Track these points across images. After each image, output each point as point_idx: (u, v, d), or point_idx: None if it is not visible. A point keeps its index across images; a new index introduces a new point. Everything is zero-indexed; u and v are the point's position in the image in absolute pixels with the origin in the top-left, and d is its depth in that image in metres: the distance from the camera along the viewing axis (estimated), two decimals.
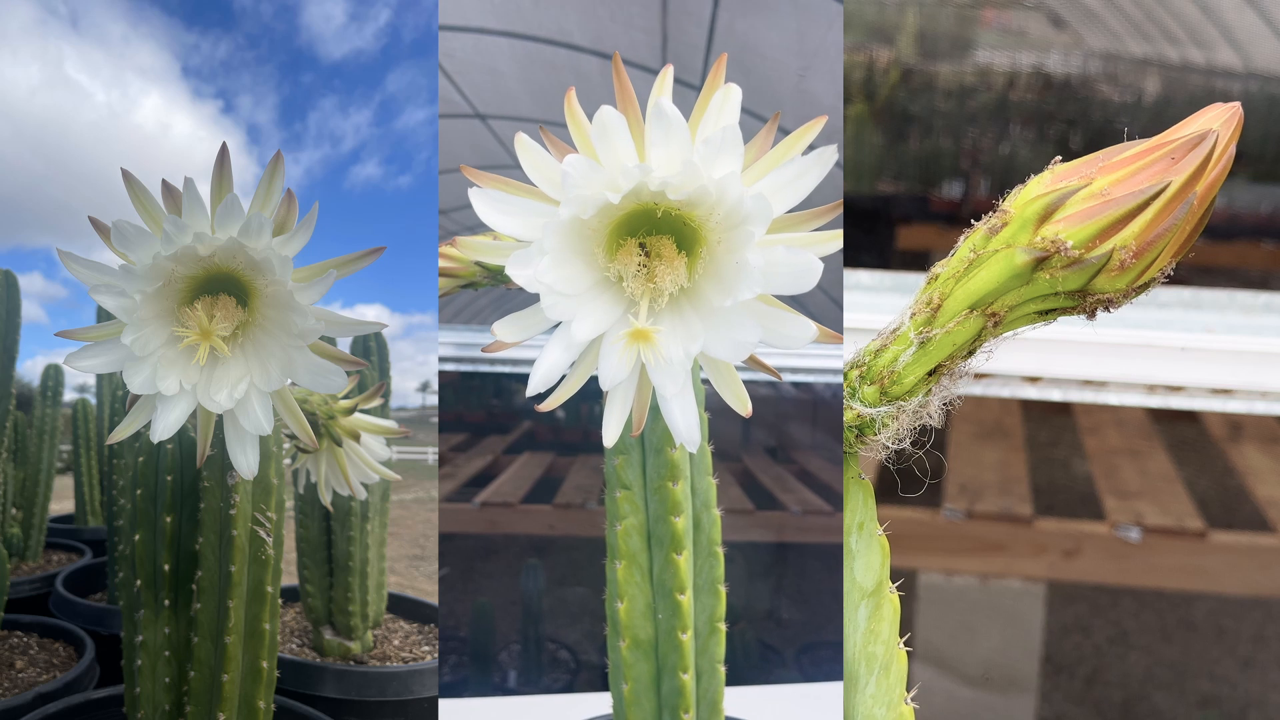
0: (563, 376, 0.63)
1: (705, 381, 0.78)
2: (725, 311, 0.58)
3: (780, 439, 1.91)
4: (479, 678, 1.71)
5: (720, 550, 0.85)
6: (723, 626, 0.85)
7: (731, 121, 0.59)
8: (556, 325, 0.61)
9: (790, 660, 1.70)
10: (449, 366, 1.72)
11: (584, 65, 1.87)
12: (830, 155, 0.58)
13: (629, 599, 0.81)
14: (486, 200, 0.59)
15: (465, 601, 1.76)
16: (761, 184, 0.58)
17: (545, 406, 0.63)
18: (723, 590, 0.85)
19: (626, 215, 0.60)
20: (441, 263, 0.83)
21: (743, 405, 0.62)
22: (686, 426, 0.61)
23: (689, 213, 0.59)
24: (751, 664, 1.68)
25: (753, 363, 0.63)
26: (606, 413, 0.62)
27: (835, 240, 0.60)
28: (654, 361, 0.59)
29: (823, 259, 0.59)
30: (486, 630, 1.74)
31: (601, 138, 0.57)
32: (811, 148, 0.59)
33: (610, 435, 0.62)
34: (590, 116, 0.58)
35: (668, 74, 0.59)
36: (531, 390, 0.61)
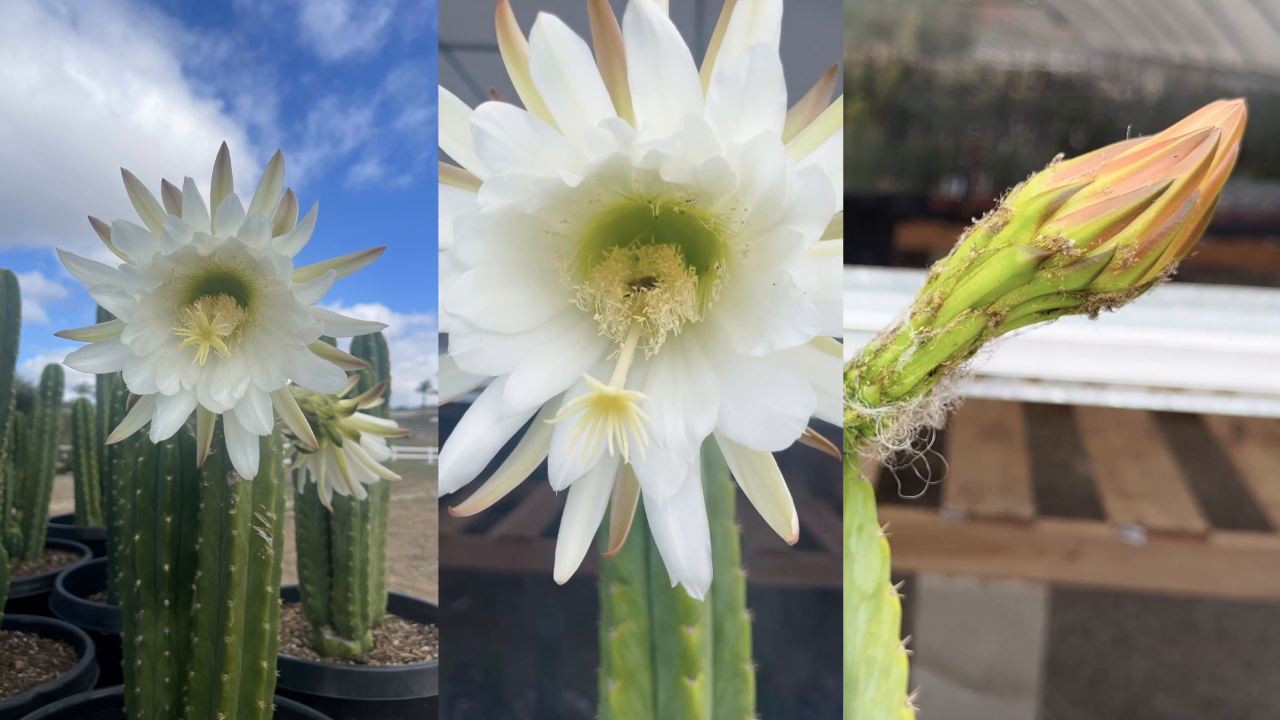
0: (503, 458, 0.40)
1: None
2: (757, 365, 0.36)
3: (817, 471, 1.79)
4: None
5: (749, 669, 0.62)
6: None
7: (767, 40, 0.35)
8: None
9: (830, 718, 1.60)
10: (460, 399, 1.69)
11: None
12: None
13: None
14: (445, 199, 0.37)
15: (477, 643, 1.68)
16: (816, 155, 0.37)
17: (461, 511, 0.40)
18: None
19: (610, 214, 0.38)
20: None
21: (786, 525, 0.41)
22: (689, 555, 0.39)
23: (701, 209, 0.37)
24: None
25: (806, 437, 0.40)
26: (564, 526, 0.41)
27: (837, 252, 0.41)
28: (636, 448, 0.36)
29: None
30: (500, 677, 1.67)
31: (549, 76, 0.33)
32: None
33: (564, 567, 0.41)
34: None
35: None
36: (442, 489, 0.39)
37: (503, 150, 0.33)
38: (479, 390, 0.40)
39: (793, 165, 0.34)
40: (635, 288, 0.38)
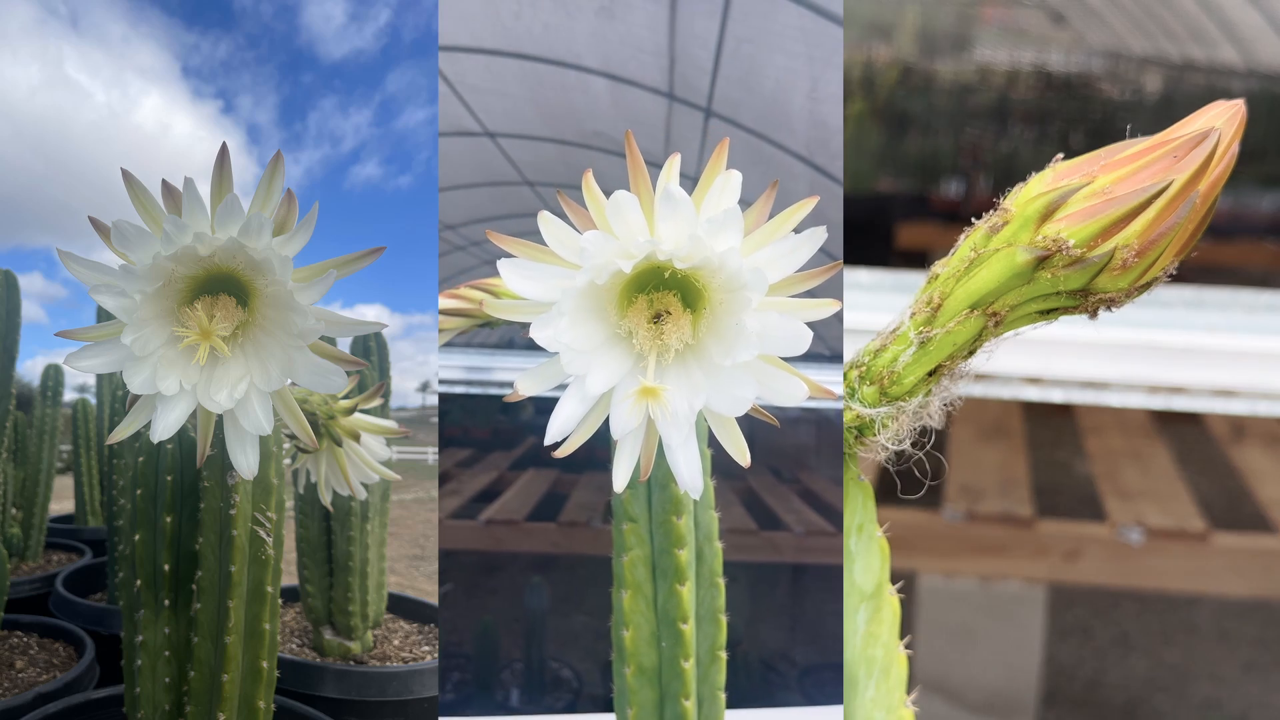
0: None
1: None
2: (725, 369, 0.64)
3: (784, 458, 1.89)
4: (481, 696, 1.71)
5: (721, 581, 0.89)
6: (723, 655, 0.89)
7: (732, 204, 0.66)
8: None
9: (793, 683, 1.70)
10: (459, 390, 1.73)
11: (593, 85, 1.90)
12: (819, 236, 0.64)
13: (634, 627, 0.86)
14: (514, 269, 0.67)
15: (468, 619, 1.75)
16: (759, 255, 0.65)
17: (561, 452, 0.68)
18: (723, 620, 0.89)
19: (637, 273, 0.66)
20: (452, 304, 0.86)
21: (742, 456, 0.67)
22: (690, 474, 0.67)
23: (694, 273, 0.65)
24: (754, 686, 1.68)
25: (753, 410, 0.68)
26: (616, 459, 0.68)
27: (832, 307, 0.64)
28: (661, 415, 0.65)
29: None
30: (490, 650, 1.73)
31: (616, 215, 0.65)
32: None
33: (620, 480, 0.68)
34: (608, 189, 0.65)
35: (674, 162, 0.66)
36: (549, 439, 0.67)
37: (591, 253, 0.64)
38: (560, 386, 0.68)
39: (746, 263, 0.63)
40: (657, 319, 0.67)
